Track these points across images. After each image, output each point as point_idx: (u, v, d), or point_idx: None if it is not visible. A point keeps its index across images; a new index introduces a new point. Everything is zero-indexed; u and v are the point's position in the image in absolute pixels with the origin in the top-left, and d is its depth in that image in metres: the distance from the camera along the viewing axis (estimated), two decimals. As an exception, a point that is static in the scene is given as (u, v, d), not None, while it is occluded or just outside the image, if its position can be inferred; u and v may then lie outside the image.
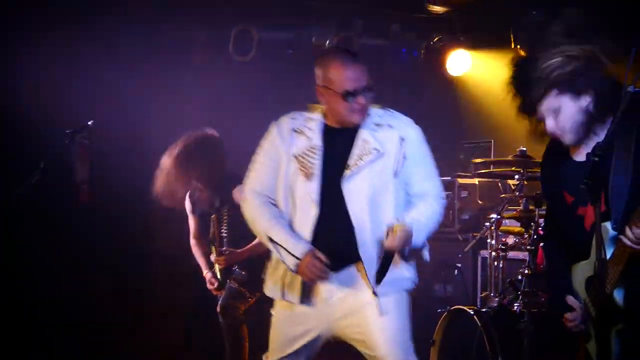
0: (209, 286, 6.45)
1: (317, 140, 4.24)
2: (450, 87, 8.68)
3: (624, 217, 3.37)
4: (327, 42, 7.93)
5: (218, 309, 6.30)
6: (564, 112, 3.55)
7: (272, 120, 4.42)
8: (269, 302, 4.42)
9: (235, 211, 5.92)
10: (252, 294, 6.18)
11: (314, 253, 4.07)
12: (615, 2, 6.31)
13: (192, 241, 6.63)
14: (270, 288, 4.34)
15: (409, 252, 4.07)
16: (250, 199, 4.35)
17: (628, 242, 3.28)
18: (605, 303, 3.45)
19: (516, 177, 6.16)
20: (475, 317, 5.58)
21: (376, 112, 4.27)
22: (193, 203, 6.50)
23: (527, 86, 3.57)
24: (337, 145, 4.23)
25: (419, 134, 4.30)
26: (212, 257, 6.35)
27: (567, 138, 3.61)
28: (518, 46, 7.67)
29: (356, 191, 4.13)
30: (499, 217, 6.22)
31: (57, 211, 6.93)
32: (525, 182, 6.11)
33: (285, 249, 4.12)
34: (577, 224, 3.66)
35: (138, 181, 6.73)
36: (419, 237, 4.06)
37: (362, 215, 4.11)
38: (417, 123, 4.33)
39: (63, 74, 7.10)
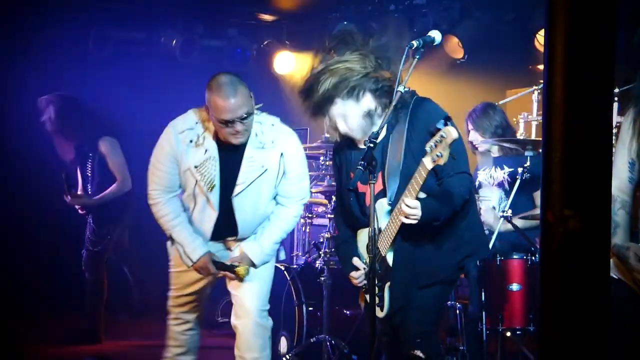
0: None
1: (214, 152, 3.99)
2: (277, 83, 8.46)
3: (397, 194, 3.33)
4: (174, 41, 7.62)
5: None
6: (350, 117, 3.46)
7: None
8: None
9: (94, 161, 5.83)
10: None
11: (205, 257, 4.04)
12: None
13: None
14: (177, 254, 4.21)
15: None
16: (155, 197, 4.07)
17: (405, 209, 3.20)
18: (380, 263, 3.43)
19: (321, 158, 6.08)
20: (285, 272, 5.51)
21: (261, 129, 4.02)
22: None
23: (316, 99, 3.44)
24: (230, 160, 4.00)
25: (296, 144, 4.13)
26: (67, 199, 5.88)
27: (356, 136, 3.52)
28: (332, 50, 7.56)
29: (243, 202, 4.03)
30: (307, 190, 6.10)
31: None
32: (329, 163, 6.00)
33: (184, 249, 4.05)
34: (360, 199, 3.60)
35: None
36: (267, 257, 4.19)
37: (246, 216, 4.07)
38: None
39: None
